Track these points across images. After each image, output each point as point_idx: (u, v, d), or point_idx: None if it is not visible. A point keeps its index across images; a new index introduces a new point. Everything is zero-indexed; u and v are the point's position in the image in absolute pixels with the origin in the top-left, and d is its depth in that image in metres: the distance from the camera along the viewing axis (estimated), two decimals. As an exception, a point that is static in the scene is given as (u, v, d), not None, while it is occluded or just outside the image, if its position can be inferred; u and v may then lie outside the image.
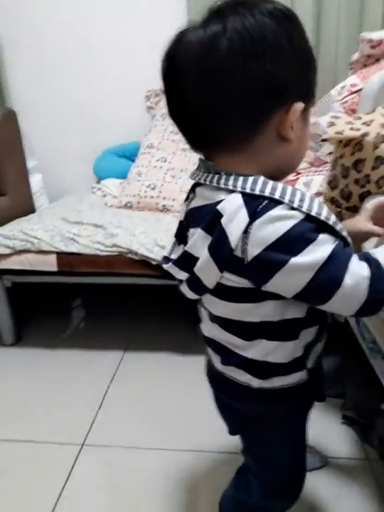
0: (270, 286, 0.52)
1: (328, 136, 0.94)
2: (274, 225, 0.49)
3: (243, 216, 0.50)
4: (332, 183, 1.04)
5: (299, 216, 0.49)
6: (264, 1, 0.51)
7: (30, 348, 1.57)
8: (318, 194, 1.38)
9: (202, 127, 0.54)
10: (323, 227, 0.51)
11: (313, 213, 0.50)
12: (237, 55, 0.49)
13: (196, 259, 0.55)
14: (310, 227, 0.50)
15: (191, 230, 0.58)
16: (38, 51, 2.21)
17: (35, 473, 1.05)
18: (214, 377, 0.68)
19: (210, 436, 1.13)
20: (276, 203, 0.50)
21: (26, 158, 1.89)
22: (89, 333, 1.68)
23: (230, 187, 0.52)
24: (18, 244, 1.43)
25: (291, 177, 1.79)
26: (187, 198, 0.62)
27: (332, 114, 1.44)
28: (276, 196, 0.50)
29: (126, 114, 2.24)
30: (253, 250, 0.50)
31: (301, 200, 0.50)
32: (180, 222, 0.63)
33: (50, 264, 1.43)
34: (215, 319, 0.62)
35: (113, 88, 2.20)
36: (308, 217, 0.50)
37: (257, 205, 0.50)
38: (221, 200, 0.52)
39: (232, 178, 0.52)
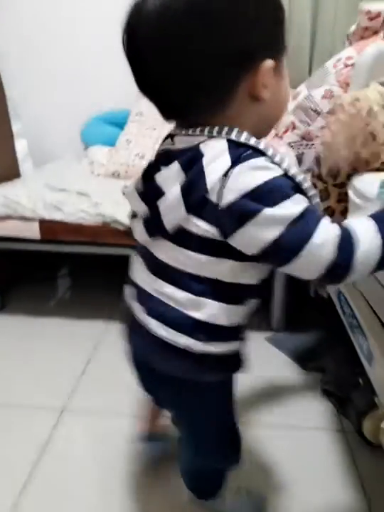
0: (238, 238, 0.51)
1: (339, 102, 0.92)
2: (255, 173, 0.49)
3: (225, 159, 0.49)
4: (320, 160, 1.02)
5: (279, 171, 0.50)
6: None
7: (14, 315, 1.56)
8: (309, 171, 1.37)
9: (172, 98, 0.53)
10: (298, 189, 0.51)
11: (290, 173, 0.50)
12: (195, 18, 0.48)
13: (162, 194, 0.53)
14: (288, 184, 0.50)
15: (162, 169, 0.56)
16: (27, 12, 2.11)
17: (14, 437, 1.06)
18: (143, 343, 0.63)
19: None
20: (259, 153, 0.50)
21: (11, 121, 1.83)
22: (74, 302, 1.68)
23: (214, 134, 0.52)
24: (0, 210, 1.40)
25: (282, 150, 1.77)
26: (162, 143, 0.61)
27: (326, 88, 1.42)
28: (260, 148, 0.50)
29: (117, 80, 2.15)
30: (229, 195, 0.49)
31: (282, 159, 0.51)
32: (149, 164, 0.60)
33: (33, 231, 1.40)
34: (159, 271, 0.58)
35: (104, 53, 2.12)
36: (286, 176, 0.50)
37: (240, 152, 0.50)
38: (202, 141, 0.52)
39: (215, 128, 0.52)
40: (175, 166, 0.52)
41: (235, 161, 0.49)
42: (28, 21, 2.12)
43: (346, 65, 1.42)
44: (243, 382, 1.22)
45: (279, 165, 0.50)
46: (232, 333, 0.61)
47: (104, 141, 1.99)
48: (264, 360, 1.33)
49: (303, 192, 0.51)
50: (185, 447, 0.78)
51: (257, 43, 0.51)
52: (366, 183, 0.83)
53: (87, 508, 0.89)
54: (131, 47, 0.52)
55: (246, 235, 0.50)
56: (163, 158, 0.57)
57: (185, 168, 0.52)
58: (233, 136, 0.51)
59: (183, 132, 0.55)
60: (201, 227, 0.52)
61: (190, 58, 0.49)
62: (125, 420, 1.10)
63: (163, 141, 0.61)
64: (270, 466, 0.98)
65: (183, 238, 0.54)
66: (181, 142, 0.55)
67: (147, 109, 1.96)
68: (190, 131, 0.54)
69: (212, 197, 0.50)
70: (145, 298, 0.60)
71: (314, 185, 1.08)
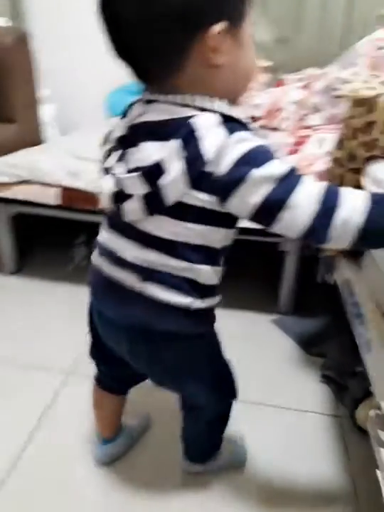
0: (232, 202, 0.55)
1: (341, 93, 0.91)
2: (244, 144, 0.54)
3: (220, 133, 0.54)
4: (339, 143, 1.01)
5: (260, 140, 0.55)
6: None
7: (30, 278, 1.61)
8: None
9: (136, 62, 0.57)
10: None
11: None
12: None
13: (163, 172, 0.55)
14: (270, 149, 0.55)
15: (144, 145, 0.58)
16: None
17: (19, 396, 1.11)
18: (132, 307, 0.65)
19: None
20: (242, 126, 0.56)
21: (40, 86, 1.85)
22: (87, 270, 1.71)
23: (204, 107, 0.55)
24: (23, 174, 1.43)
25: (305, 133, 1.74)
26: (123, 115, 0.63)
27: (353, 71, 1.38)
28: (244, 121, 0.57)
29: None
30: (223, 165, 0.53)
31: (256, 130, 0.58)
32: (119, 139, 0.62)
33: (53, 197, 1.43)
34: (151, 244, 0.61)
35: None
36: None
37: (230, 126, 0.54)
38: (191, 116, 0.54)
39: (198, 97, 0.55)
40: (175, 143, 0.54)
41: (228, 135, 0.54)
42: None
43: (378, 48, 1.38)
44: (246, 361, 1.25)
45: (257, 135, 0.56)
46: (216, 290, 0.68)
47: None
48: (269, 342, 1.35)
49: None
50: (188, 409, 0.84)
51: (203, 6, 0.52)
52: (381, 169, 0.83)
53: (86, 472, 0.93)
54: (107, 17, 0.56)
55: (239, 198, 0.54)
56: (143, 129, 0.59)
57: (184, 145, 0.54)
58: (224, 110, 0.55)
59: (160, 99, 0.58)
60: (200, 198, 0.56)
61: (143, 22, 0.52)
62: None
63: (127, 110, 0.63)
64: (262, 443, 1.01)
65: (182, 211, 0.58)
66: (162, 111, 0.57)
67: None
68: (168, 97, 0.57)
69: (210, 169, 0.54)
70: (139, 269, 0.63)
71: (331, 171, 1.07)
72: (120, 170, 0.60)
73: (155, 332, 0.66)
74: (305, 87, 1.89)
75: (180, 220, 0.59)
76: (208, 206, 0.57)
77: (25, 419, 1.04)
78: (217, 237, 0.62)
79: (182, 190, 0.55)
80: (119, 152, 0.61)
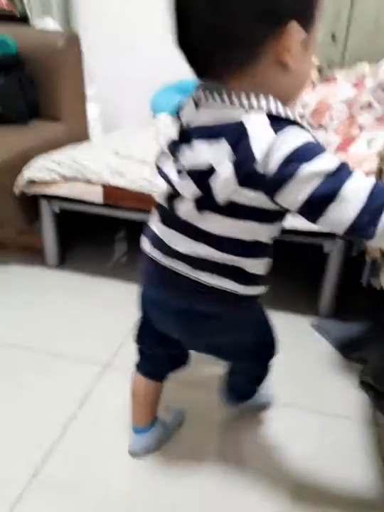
0: (283, 197, 0.56)
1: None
2: (293, 140, 0.54)
3: (268, 134, 0.54)
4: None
5: (310, 136, 0.56)
6: None
7: (72, 272, 1.66)
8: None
9: (205, 51, 0.57)
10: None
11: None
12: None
13: (214, 172, 0.57)
14: (319, 145, 0.56)
15: (198, 146, 0.59)
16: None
17: (59, 384, 1.15)
18: (185, 292, 0.70)
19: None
20: (293, 123, 0.56)
21: (86, 85, 1.90)
22: (128, 266, 1.75)
23: (253, 106, 0.56)
24: (68, 173, 1.47)
25: (354, 132, 1.69)
26: (177, 115, 0.66)
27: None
28: (295, 119, 0.56)
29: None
30: (273, 163, 0.54)
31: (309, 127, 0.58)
32: (174, 142, 0.64)
33: (97, 195, 1.47)
34: (204, 238, 0.65)
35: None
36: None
37: (279, 125, 0.54)
38: (242, 118, 0.55)
39: (252, 96, 0.56)
40: (225, 145, 0.56)
41: (276, 134, 0.54)
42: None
43: None
44: (283, 363, 1.23)
45: (308, 132, 0.56)
46: (263, 279, 0.72)
47: (172, 109, 2.01)
48: (308, 345, 1.33)
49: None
50: (237, 371, 0.95)
51: (286, 5, 0.53)
52: None
53: (120, 465, 0.95)
54: (178, 7, 0.57)
55: (289, 194, 0.55)
56: (196, 133, 0.60)
57: (234, 145, 0.55)
58: (273, 109, 0.55)
59: (210, 100, 0.59)
60: (249, 196, 0.58)
61: (226, 11, 0.53)
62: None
63: (178, 113, 0.65)
64: (297, 446, 1.00)
65: (231, 209, 0.60)
66: (212, 113, 0.59)
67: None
68: (218, 99, 0.58)
69: (260, 168, 0.55)
70: (190, 259, 0.67)
71: (380, 170, 1.04)
72: (173, 170, 0.63)
73: (204, 313, 0.72)
74: (356, 85, 1.84)
75: (229, 217, 0.62)
76: (256, 204, 0.59)
77: (61, 410, 1.07)
78: (264, 232, 0.65)
79: (232, 189, 0.58)
80: (173, 151, 0.64)
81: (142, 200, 1.43)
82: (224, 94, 0.57)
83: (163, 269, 0.71)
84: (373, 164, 1.22)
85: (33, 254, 1.71)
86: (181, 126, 0.63)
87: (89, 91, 1.95)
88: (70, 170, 1.47)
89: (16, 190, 1.51)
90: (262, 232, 0.65)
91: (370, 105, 1.63)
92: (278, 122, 0.55)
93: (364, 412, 1.10)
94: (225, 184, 0.57)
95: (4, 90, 1.70)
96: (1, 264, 1.70)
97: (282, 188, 0.55)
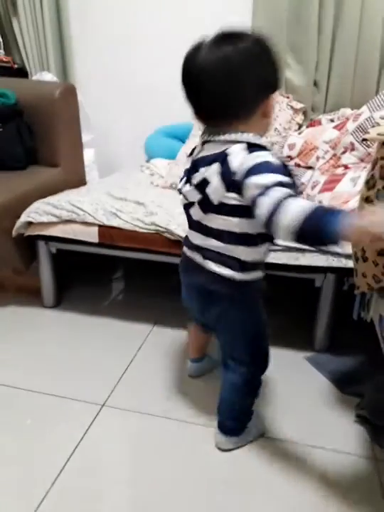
0: (244, 195, 0.80)
1: (369, 137, 0.93)
2: (256, 158, 0.79)
3: (242, 154, 0.81)
4: (369, 183, 1.02)
5: (274, 158, 0.80)
6: (248, 32, 0.82)
7: (68, 312, 1.67)
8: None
9: (220, 109, 0.84)
10: (288, 173, 0.80)
11: (282, 161, 0.81)
12: (249, 67, 0.80)
13: (208, 183, 0.84)
14: (278, 167, 0.79)
15: (201, 170, 0.87)
16: (104, 27, 2.28)
17: (56, 425, 1.14)
18: (201, 276, 0.95)
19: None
20: (264, 149, 0.82)
21: (83, 132, 1.98)
22: (124, 304, 1.77)
23: (238, 139, 0.83)
24: (64, 214, 1.52)
25: (339, 172, 1.76)
26: (191, 154, 0.94)
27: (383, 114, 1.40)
28: (266, 146, 0.83)
29: (182, 94, 2.26)
30: (240, 173, 0.79)
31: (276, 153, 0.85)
32: (187, 170, 0.93)
33: (92, 235, 1.51)
34: (209, 233, 0.91)
35: (171, 69, 2.23)
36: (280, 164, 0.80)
37: (251, 149, 0.81)
38: (229, 148, 0.82)
39: (238, 134, 0.83)
40: (215, 165, 0.83)
41: (248, 154, 0.80)
42: (103, 44, 2.29)
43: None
44: (279, 399, 1.24)
45: (275, 156, 0.81)
46: (256, 266, 0.93)
47: (166, 153, 2.09)
48: (303, 380, 1.33)
49: (290, 175, 0.80)
50: (228, 367, 1.06)
51: (272, 79, 0.85)
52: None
53: (119, 499, 0.95)
54: (192, 78, 0.83)
55: (246, 194, 0.80)
56: (201, 162, 0.88)
57: (221, 165, 0.83)
58: (251, 140, 0.82)
59: (213, 139, 0.86)
60: (233, 198, 0.83)
61: (237, 84, 0.81)
62: (159, 422, 1.16)
63: (193, 150, 0.94)
64: (294, 483, 0.99)
65: (223, 209, 0.85)
66: (212, 148, 0.87)
67: (209, 125, 2.03)
68: (220, 137, 0.85)
69: (236, 177, 0.80)
70: (203, 250, 0.94)
71: (362, 209, 1.08)
72: (187, 188, 0.91)
73: (215, 291, 0.95)
74: (339, 127, 1.93)
75: (223, 215, 0.86)
76: (238, 203, 0.83)
77: (59, 449, 1.07)
78: (249, 225, 0.85)
79: (221, 193, 0.83)
80: (188, 177, 0.92)
81: (136, 240, 1.47)
82: (221, 135, 0.84)
83: (189, 259, 0.98)
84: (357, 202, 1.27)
85: (30, 295, 1.73)
86: (193, 160, 0.91)
87: (85, 137, 2.03)
88: (67, 212, 1.51)
89: (14, 233, 1.55)
90: (247, 226, 0.86)
91: (353, 146, 1.71)
92: (253, 148, 0.81)
93: (362, 446, 1.09)
94: (215, 190, 0.84)
95: (3, 138, 1.77)
96: (-3, 306, 1.72)
97: (243, 189, 0.79)
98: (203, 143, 0.89)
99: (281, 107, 2.09)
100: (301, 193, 1.00)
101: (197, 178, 0.87)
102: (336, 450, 1.08)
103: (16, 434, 1.11)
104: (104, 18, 2.27)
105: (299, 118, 2.15)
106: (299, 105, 2.13)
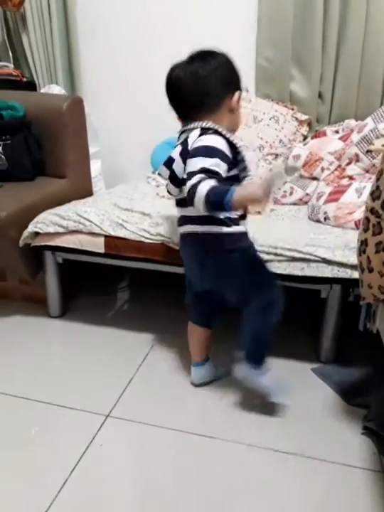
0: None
1: (374, 148, 0.94)
2: (201, 142, 1.04)
3: (195, 137, 1.06)
4: (374, 194, 1.02)
5: (220, 145, 1.03)
6: (216, 51, 1.10)
7: (73, 321, 1.68)
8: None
9: (192, 107, 1.09)
10: (236, 163, 1.08)
11: (237, 150, 1.08)
12: (212, 72, 1.07)
13: (174, 160, 1.11)
14: (222, 154, 1.02)
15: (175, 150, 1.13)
16: (111, 42, 2.32)
17: (61, 436, 1.14)
18: (197, 242, 1.15)
19: (227, 424, 1.18)
20: (219, 135, 1.05)
21: (89, 144, 2.00)
22: (130, 314, 1.77)
23: (196, 126, 1.07)
24: (71, 225, 1.53)
25: (344, 182, 1.77)
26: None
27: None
28: (222, 132, 1.06)
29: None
30: (191, 151, 1.04)
31: (238, 143, 1.09)
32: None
33: (99, 245, 1.52)
34: (189, 221, 1.14)
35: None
36: (231, 152, 1.06)
37: (203, 132, 1.06)
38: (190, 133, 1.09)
39: (211, 123, 1.06)
40: (178, 147, 1.11)
41: (197, 137, 1.06)
42: (110, 58, 2.33)
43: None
44: (285, 410, 1.23)
45: (231, 142, 1.06)
46: (232, 221, 1.11)
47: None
48: (309, 391, 1.32)
49: (236, 155, 1.08)
50: (247, 309, 1.16)
51: (234, 80, 1.12)
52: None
53: None
54: (174, 84, 1.11)
55: (187, 169, 1.04)
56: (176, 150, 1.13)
57: (182, 145, 1.10)
58: (204, 125, 1.06)
59: (185, 129, 1.11)
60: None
61: (203, 84, 1.07)
62: (163, 433, 1.15)
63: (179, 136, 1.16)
64: (300, 496, 0.98)
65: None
66: (182, 137, 1.12)
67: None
68: (189, 126, 1.08)
69: (188, 156, 1.05)
70: (193, 219, 1.13)
71: (367, 220, 1.08)
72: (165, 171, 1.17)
73: (212, 251, 1.13)
74: (343, 138, 1.94)
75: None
76: None
77: (64, 459, 1.06)
78: None
79: (181, 169, 1.08)
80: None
81: (142, 250, 1.48)
82: (189, 125, 1.08)
83: (183, 235, 1.18)
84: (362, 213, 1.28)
85: (36, 304, 1.74)
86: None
87: (92, 149, 2.05)
88: (74, 222, 1.53)
89: (21, 243, 1.57)
90: None
91: (357, 157, 1.72)
92: (205, 132, 1.05)
93: (369, 459, 1.08)
94: (177, 166, 1.10)
95: (12, 149, 1.79)
96: (4, 315, 1.72)
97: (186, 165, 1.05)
98: (180, 135, 1.13)
99: (286, 119, 2.11)
100: (244, 168, 1.12)
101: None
102: (342, 463, 1.07)
103: (21, 444, 1.11)
104: (111, 33, 2.31)
105: (304, 129, 2.17)
106: (303, 117, 2.15)
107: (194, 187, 0.96)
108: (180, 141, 1.11)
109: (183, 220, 1.16)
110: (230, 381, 1.33)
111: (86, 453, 1.08)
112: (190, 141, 1.05)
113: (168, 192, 1.20)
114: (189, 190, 0.98)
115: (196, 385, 1.33)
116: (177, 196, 1.16)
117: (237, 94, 1.09)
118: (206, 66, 1.06)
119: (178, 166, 1.09)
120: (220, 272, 1.14)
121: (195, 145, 1.03)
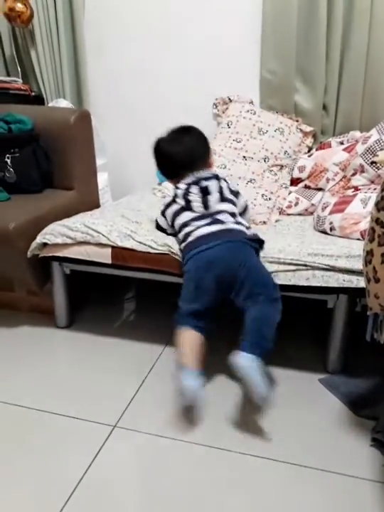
0: None
1: (378, 159, 0.95)
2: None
3: (218, 178, 1.51)
4: (380, 204, 1.03)
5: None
6: (194, 128, 1.53)
7: (80, 332, 1.69)
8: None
9: (193, 165, 1.49)
10: None
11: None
12: (198, 141, 1.52)
13: (210, 192, 1.46)
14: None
15: (203, 182, 1.47)
16: (118, 57, 2.36)
17: (68, 446, 1.14)
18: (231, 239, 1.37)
19: (235, 435, 1.17)
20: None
21: (96, 156, 2.03)
22: (136, 325, 1.78)
23: (212, 172, 1.51)
24: (79, 236, 1.55)
25: (349, 193, 1.78)
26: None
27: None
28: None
29: (194, 120, 2.31)
30: None
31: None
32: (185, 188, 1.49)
33: (106, 256, 1.53)
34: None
35: (183, 96, 2.30)
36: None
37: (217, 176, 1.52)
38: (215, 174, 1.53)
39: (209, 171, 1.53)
40: (214, 180, 1.48)
41: (222, 180, 1.50)
42: (117, 72, 2.38)
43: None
44: (292, 421, 1.22)
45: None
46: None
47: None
48: (316, 402, 1.32)
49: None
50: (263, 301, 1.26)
51: (208, 146, 1.55)
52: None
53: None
54: (175, 157, 1.50)
55: None
56: (199, 179, 1.47)
57: (217, 180, 1.48)
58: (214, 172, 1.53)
59: (197, 173, 1.48)
60: None
61: (195, 150, 1.50)
62: (170, 444, 1.15)
63: (179, 185, 1.51)
64: (308, 509, 0.97)
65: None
66: (196, 176, 1.48)
67: (220, 148, 2.07)
68: (202, 173, 1.48)
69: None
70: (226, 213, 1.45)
71: (372, 230, 1.09)
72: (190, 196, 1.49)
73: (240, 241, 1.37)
74: (348, 149, 1.95)
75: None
76: None
77: (70, 470, 1.06)
78: None
79: (217, 198, 1.48)
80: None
81: (148, 260, 1.49)
82: (201, 172, 1.49)
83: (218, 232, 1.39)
84: (367, 223, 1.28)
85: (43, 315, 1.75)
86: (187, 183, 1.48)
87: (99, 161, 2.08)
88: (81, 234, 1.54)
89: (29, 254, 1.58)
90: None
91: (362, 168, 1.73)
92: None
93: (378, 471, 1.07)
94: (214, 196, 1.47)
95: (20, 162, 1.82)
96: (12, 325, 1.74)
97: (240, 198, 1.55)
98: (183, 177, 1.49)
99: (291, 130, 2.13)
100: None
101: (200, 186, 1.44)
102: (350, 474, 1.06)
103: (28, 455, 1.11)
104: (117, 49, 2.35)
105: (309, 141, 2.19)
106: (308, 128, 2.17)
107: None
108: (202, 176, 1.46)
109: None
110: (237, 392, 1.33)
111: (93, 463, 1.08)
112: (223, 183, 1.47)
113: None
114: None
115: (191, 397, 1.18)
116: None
117: (212, 153, 1.61)
118: (195, 137, 1.51)
119: (213, 197, 1.44)
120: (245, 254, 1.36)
121: (232, 187, 1.51)
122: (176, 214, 1.46)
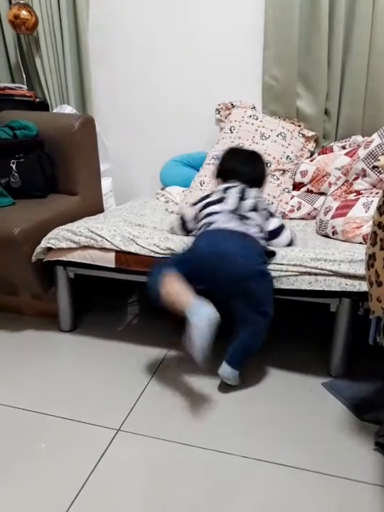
0: None
1: (379, 164, 0.96)
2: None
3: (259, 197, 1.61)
4: (381, 208, 1.04)
5: None
6: (262, 156, 1.69)
7: (84, 336, 1.70)
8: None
9: (255, 178, 1.63)
10: None
11: None
12: (263, 171, 1.68)
13: (245, 199, 1.53)
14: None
15: (248, 192, 1.56)
16: (121, 63, 2.39)
17: (72, 450, 1.15)
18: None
19: (239, 439, 1.18)
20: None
21: (100, 161, 2.05)
22: (139, 329, 1.78)
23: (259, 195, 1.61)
24: (83, 240, 1.56)
25: (351, 197, 1.78)
26: (205, 197, 1.59)
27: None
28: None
29: (197, 125, 2.34)
30: None
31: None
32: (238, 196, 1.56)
33: (109, 260, 1.54)
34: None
35: (184, 103, 2.32)
36: None
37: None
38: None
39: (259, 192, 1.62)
40: (253, 191, 1.56)
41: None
42: (120, 79, 2.40)
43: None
44: (294, 425, 1.23)
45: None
46: None
47: (181, 181, 2.14)
48: (319, 406, 1.32)
49: None
50: (253, 321, 1.31)
51: (266, 173, 1.72)
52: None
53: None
54: (239, 172, 1.61)
55: None
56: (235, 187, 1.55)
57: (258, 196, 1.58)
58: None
59: (240, 182, 1.57)
60: None
61: (257, 171, 1.65)
62: (175, 447, 1.16)
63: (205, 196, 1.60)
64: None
65: None
66: (239, 183, 1.57)
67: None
68: (253, 192, 1.55)
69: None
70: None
71: (374, 234, 1.10)
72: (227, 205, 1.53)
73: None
74: (350, 153, 1.96)
75: None
76: None
77: (75, 474, 1.07)
78: None
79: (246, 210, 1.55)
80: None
81: (151, 264, 1.50)
82: (253, 191, 1.55)
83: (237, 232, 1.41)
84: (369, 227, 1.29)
85: (47, 319, 1.76)
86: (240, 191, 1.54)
87: (103, 167, 2.10)
88: (85, 238, 1.55)
89: (34, 258, 1.60)
90: None
91: (364, 173, 1.74)
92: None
93: (381, 474, 1.07)
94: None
95: (25, 167, 1.84)
96: (16, 329, 1.75)
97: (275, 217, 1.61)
98: (229, 188, 1.55)
99: (293, 135, 2.14)
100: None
101: (241, 189, 1.53)
102: (354, 479, 1.06)
103: (31, 459, 1.12)
104: (120, 55, 2.38)
105: (311, 146, 2.20)
106: (310, 133, 2.18)
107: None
108: (252, 196, 1.52)
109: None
110: (242, 395, 1.33)
111: (97, 467, 1.09)
112: (261, 200, 1.56)
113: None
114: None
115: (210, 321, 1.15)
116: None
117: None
118: (260, 165, 1.67)
119: (247, 203, 1.49)
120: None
121: (270, 209, 1.57)
122: (208, 204, 1.51)
